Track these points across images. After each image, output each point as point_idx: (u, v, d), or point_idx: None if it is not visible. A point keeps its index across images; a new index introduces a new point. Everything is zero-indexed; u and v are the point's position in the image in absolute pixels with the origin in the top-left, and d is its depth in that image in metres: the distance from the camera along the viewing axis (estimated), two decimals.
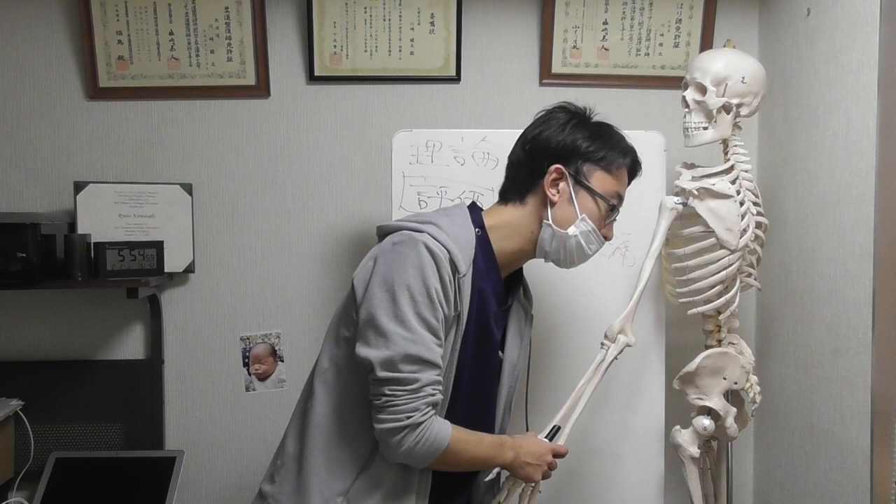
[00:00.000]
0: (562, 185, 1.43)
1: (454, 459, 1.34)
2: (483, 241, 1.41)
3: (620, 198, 1.48)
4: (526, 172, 1.46)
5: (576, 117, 1.47)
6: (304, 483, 1.35)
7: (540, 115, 1.50)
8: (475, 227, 1.41)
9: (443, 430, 1.31)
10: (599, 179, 1.44)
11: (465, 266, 1.35)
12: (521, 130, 1.50)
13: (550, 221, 1.43)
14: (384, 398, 1.27)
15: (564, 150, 1.43)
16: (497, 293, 1.45)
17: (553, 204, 1.43)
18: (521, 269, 1.56)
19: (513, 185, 1.48)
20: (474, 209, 1.46)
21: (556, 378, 1.81)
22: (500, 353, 1.52)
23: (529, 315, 1.59)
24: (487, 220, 1.45)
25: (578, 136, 1.43)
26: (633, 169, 1.50)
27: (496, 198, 1.51)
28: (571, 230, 1.43)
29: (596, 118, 1.49)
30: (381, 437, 1.30)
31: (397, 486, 1.35)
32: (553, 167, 1.42)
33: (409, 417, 1.27)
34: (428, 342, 1.28)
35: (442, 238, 1.33)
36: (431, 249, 1.30)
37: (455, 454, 1.33)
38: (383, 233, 1.42)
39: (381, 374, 1.27)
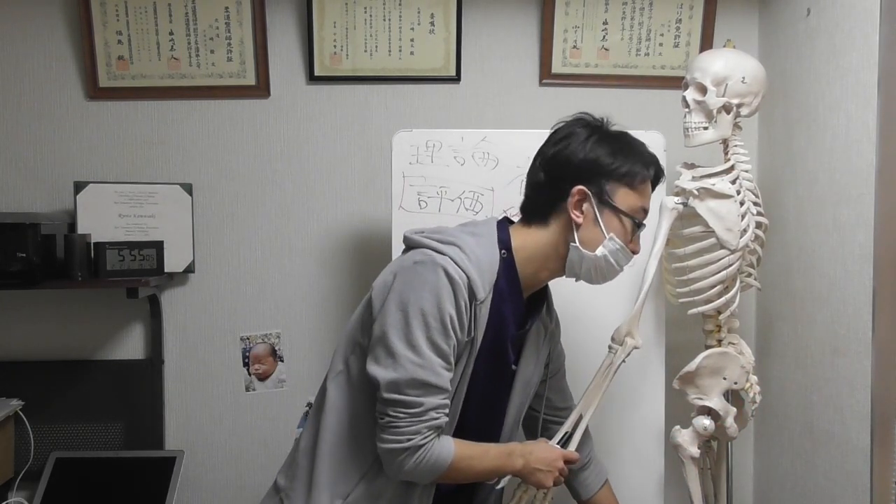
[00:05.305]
0: (585, 206, 1.38)
1: (459, 475, 1.35)
2: (508, 264, 1.39)
3: (645, 211, 1.45)
4: (547, 194, 1.41)
5: (595, 132, 1.41)
6: (315, 481, 1.36)
7: (557, 130, 1.44)
8: (501, 249, 1.39)
9: (444, 451, 1.30)
10: (623, 197, 1.40)
11: (484, 292, 1.32)
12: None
13: (578, 244, 1.39)
14: (387, 418, 1.27)
15: (586, 170, 1.38)
16: (517, 316, 1.43)
17: (578, 226, 1.39)
18: (546, 286, 1.53)
19: (534, 206, 1.43)
20: (503, 228, 1.43)
21: None
22: (513, 365, 1.49)
23: (549, 331, 1.55)
24: (514, 241, 1.41)
25: (599, 154, 1.38)
26: (657, 178, 1.47)
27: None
28: (600, 251, 1.39)
29: (614, 127, 1.44)
30: (382, 456, 1.30)
31: (398, 499, 1.35)
32: (576, 189, 1.37)
33: (409, 440, 1.27)
34: (436, 367, 1.27)
35: (463, 263, 1.30)
36: (450, 275, 1.28)
37: (459, 470, 1.33)
38: (408, 244, 1.40)
39: (386, 395, 1.27)
